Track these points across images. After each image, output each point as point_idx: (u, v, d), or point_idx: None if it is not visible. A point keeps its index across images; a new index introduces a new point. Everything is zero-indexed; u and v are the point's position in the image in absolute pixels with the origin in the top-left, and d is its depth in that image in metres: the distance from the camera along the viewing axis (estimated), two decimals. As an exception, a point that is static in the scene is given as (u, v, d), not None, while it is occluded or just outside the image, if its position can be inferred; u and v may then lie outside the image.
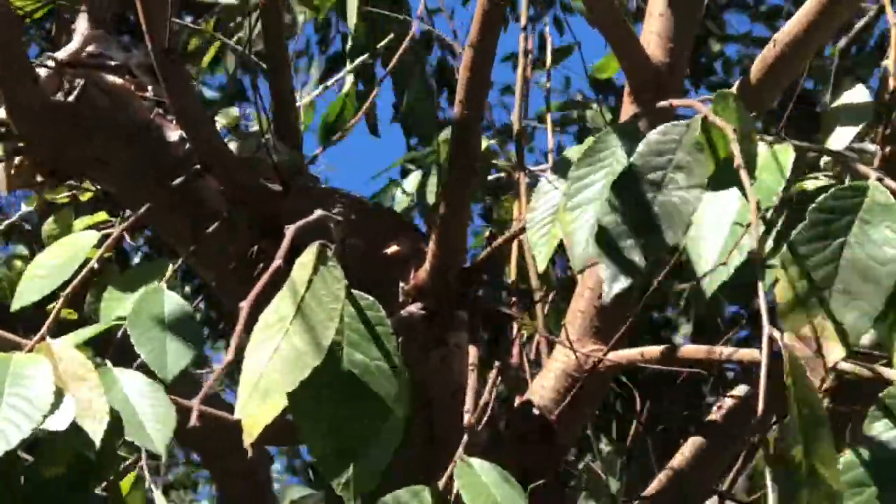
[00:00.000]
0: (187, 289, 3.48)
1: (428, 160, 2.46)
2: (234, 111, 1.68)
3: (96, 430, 1.05)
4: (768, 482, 0.92)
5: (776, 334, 0.88)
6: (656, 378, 2.88)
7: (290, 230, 1.02)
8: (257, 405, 0.96)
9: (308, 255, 0.98)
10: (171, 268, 1.28)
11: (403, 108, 2.54)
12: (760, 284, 0.92)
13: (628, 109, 1.50)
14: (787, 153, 1.02)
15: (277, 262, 0.99)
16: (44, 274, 1.25)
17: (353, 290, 0.98)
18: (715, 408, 1.61)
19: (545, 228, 1.20)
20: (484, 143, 1.95)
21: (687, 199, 0.96)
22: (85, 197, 1.53)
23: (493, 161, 2.15)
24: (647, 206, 0.99)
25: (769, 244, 1.02)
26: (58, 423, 1.04)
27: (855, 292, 0.92)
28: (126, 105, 1.46)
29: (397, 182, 2.56)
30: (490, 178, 2.32)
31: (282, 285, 0.98)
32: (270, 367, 0.95)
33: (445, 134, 2.21)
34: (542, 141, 3.24)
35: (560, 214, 1.14)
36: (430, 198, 2.18)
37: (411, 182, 2.54)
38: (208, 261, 1.50)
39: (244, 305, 0.95)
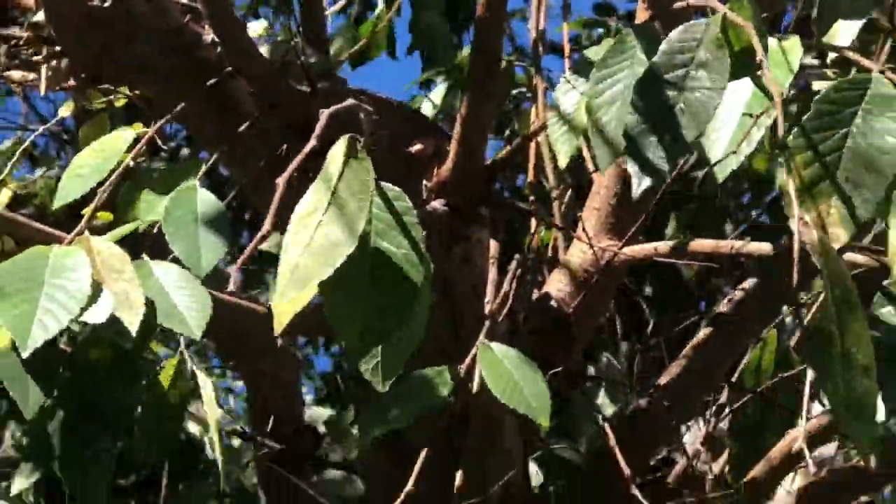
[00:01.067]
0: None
1: (452, 75, 2.51)
2: (263, 22, 1.69)
3: (133, 322, 1.05)
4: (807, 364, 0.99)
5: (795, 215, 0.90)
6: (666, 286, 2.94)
7: (323, 114, 1.01)
8: (287, 290, 0.94)
9: (339, 147, 0.96)
10: (203, 167, 1.28)
11: (420, 29, 2.59)
12: (783, 169, 0.94)
13: (642, 16, 1.49)
14: (794, 48, 1.01)
15: (312, 142, 0.97)
16: (82, 173, 1.26)
17: (380, 182, 0.97)
18: (725, 300, 1.60)
19: (566, 126, 1.21)
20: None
21: (711, 95, 0.95)
22: (120, 103, 1.54)
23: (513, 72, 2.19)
24: (669, 106, 0.97)
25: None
26: (96, 315, 1.05)
27: (858, 181, 0.92)
28: (163, 11, 1.44)
29: (423, 96, 2.61)
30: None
31: (314, 178, 0.97)
32: (305, 257, 0.95)
33: (467, 50, 2.27)
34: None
35: (582, 113, 1.12)
36: (458, 106, 2.24)
37: (438, 93, 2.58)
38: (241, 161, 1.50)
39: (280, 181, 0.92)
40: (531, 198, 1.68)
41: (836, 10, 1.14)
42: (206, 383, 1.30)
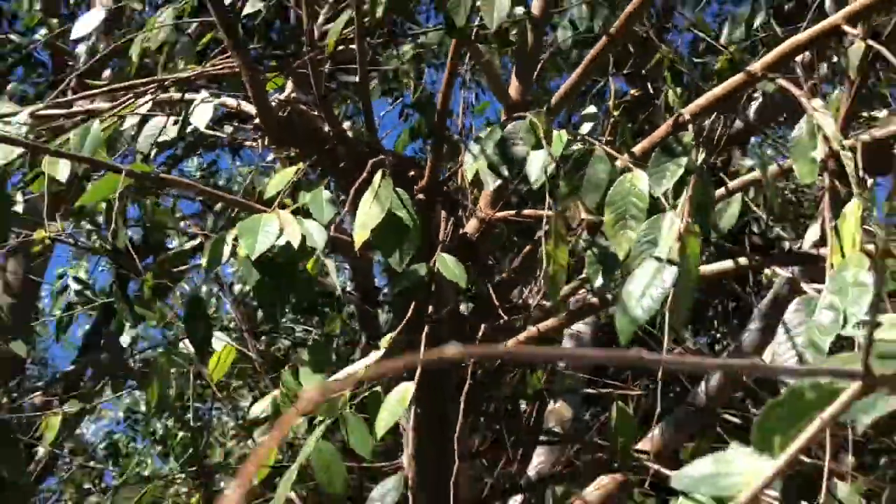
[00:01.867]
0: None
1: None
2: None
3: (295, 242, 1.84)
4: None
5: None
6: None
7: (370, 162, 2.14)
8: (360, 231, 1.85)
9: (378, 175, 1.90)
10: (322, 183, 2.42)
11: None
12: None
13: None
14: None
15: (365, 173, 2.03)
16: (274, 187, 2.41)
17: (396, 187, 1.94)
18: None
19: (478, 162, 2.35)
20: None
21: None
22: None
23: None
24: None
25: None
26: (281, 240, 1.86)
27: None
28: (308, 119, 2.26)
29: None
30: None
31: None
32: (365, 217, 1.86)
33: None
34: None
35: (482, 162, 2.29)
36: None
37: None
38: (340, 178, 2.26)
39: (351, 191, 2.08)
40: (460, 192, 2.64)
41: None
42: (330, 265, 2.15)
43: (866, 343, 0.65)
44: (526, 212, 2.20)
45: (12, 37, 4.11)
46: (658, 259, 1.48)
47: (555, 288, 1.77)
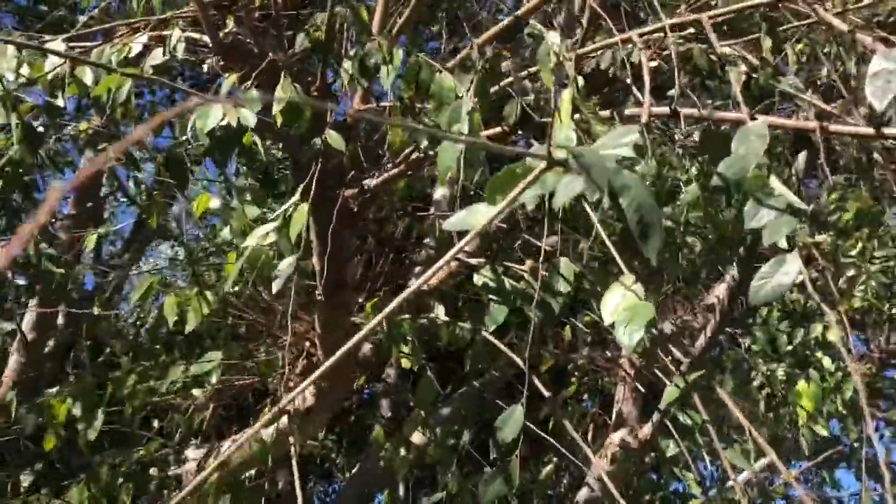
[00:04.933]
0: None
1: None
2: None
3: (233, 122, 2.76)
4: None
5: None
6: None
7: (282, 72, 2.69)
8: (276, 112, 2.64)
9: (284, 78, 2.67)
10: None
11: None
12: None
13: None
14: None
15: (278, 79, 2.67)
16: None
17: None
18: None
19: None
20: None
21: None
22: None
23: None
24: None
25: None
26: (224, 121, 2.76)
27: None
28: (243, 45, 2.93)
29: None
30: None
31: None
32: (277, 103, 2.65)
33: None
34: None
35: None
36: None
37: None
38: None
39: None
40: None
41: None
42: (257, 139, 2.95)
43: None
44: (383, 104, 2.69)
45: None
46: (459, 134, 2.00)
47: (395, 148, 2.35)
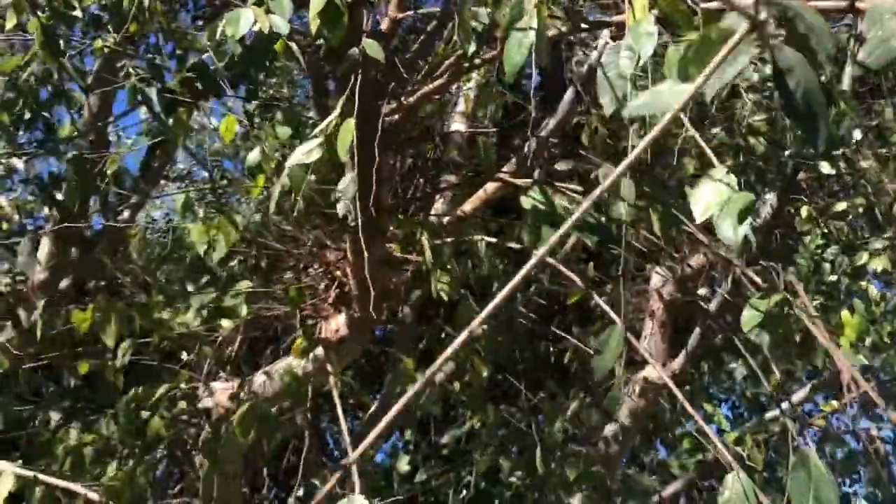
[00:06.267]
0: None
1: None
2: None
3: (265, 28, 2.33)
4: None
5: None
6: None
7: None
8: (313, 20, 2.44)
9: None
10: None
11: None
12: None
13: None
14: None
15: None
16: None
17: None
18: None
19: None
20: None
21: None
22: None
23: None
24: None
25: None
26: (255, 26, 2.44)
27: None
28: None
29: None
30: None
31: None
32: (314, 7, 2.44)
33: None
34: None
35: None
36: None
37: None
38: None
39: None
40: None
41: None
42: (294, 47, 2.61)
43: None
44: (422, 10, 2.51)
45: None
46: (521, 29, 1.76)
47: (468, 42, 2.09)
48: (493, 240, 2.39)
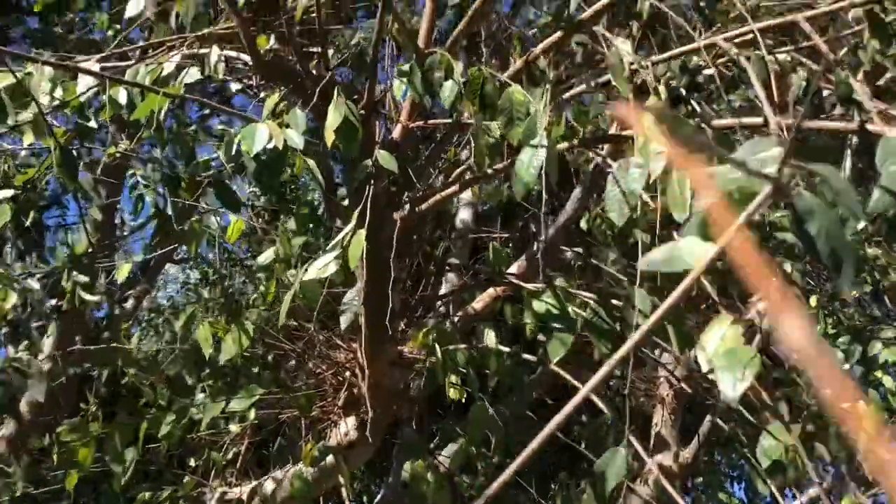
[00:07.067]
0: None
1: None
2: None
3: (279, 144, 2.03)
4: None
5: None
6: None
7: (332, 87, 2.54)
8: (329, 132, 2.50)
9: (335, 95, 2.51)
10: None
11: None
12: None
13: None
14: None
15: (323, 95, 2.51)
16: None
17: None
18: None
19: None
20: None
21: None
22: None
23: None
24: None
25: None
26: (270, 143, 2.08)
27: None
28: (285, 62, 2.82)
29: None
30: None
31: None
32: (330, 122, 2.50)
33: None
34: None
35: None
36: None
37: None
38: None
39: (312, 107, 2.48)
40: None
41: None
42: (311, 163, 2.78)
43: (786, 151, 0.69)
44: (432, 121, 2.51)
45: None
46: (534, 146, 1.79)
47: (481, 158, 2.07)
48: (507, 349, 2.37)
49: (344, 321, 2.01)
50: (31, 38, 5.47)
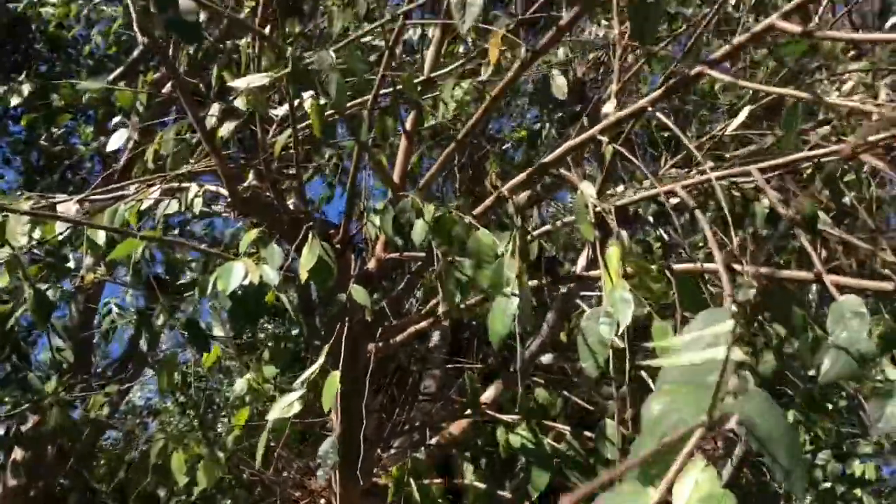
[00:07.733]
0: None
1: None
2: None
3: (255, 280, 2.15)
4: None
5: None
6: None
7: (305, 227, 2.59)
8: (303, 271, 2.56)
9: (310, 236, 2.57)
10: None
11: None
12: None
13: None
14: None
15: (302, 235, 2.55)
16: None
17: None
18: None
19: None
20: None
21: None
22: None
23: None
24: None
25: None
26: (246, 280, 2.15)
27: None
28: (262, 198, 2.98)
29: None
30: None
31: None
32: (305, 262, 2.55)
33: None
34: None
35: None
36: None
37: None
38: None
39: (293, 246, 2.55)
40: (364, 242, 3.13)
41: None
42: (284, 299, 2.83)
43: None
44: (406, 254, 2.53)
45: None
46: (506, 295, 1.79)
47: (451, 299, 2.09)
48: (483, 485, 2.35)
49: (321, 475, 2.00)
50: (15, 153, 5.57)
